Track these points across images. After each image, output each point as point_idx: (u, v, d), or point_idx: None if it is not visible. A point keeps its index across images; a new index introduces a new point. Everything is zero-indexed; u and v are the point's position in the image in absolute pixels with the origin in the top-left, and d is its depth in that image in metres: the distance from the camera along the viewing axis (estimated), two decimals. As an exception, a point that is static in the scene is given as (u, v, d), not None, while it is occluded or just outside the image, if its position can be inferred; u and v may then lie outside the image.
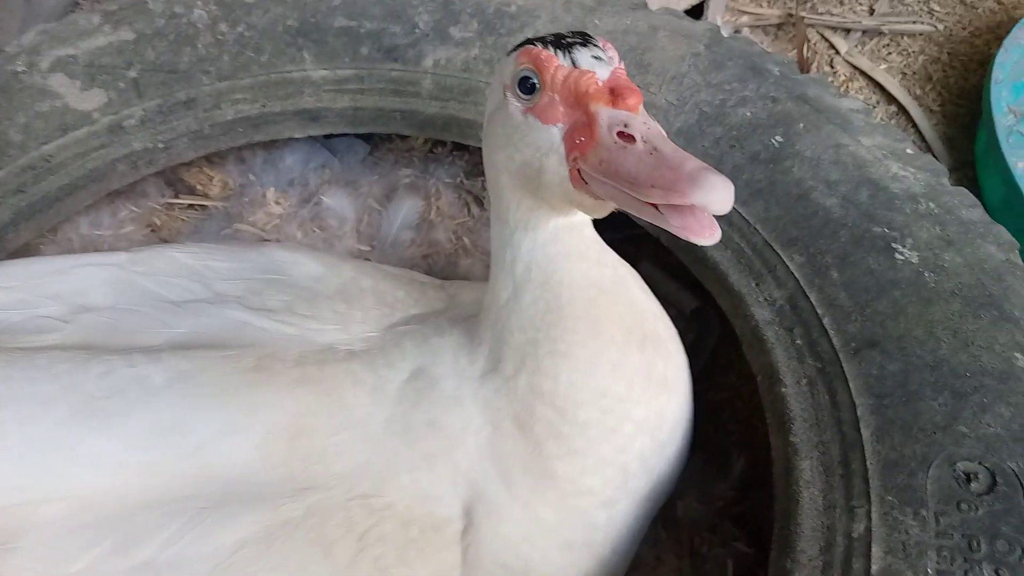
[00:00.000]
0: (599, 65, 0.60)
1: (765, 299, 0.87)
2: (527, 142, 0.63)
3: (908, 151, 0.96)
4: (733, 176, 0.95)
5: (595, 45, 0.62)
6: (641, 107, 0.59)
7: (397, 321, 0.86)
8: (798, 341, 0.83)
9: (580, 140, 0.59)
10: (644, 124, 0.56)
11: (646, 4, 1.15)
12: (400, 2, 1.11)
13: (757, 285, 0.88)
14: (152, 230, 1.09)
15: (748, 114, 1.00)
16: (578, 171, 0.59)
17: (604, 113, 0.58)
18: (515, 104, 0.64)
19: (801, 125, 0.98)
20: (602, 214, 0.65)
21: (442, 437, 0.75)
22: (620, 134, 0.56)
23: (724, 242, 0.92)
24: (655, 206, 0.53)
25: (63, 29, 1.04)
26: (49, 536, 0.67)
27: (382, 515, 0.72)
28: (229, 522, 0.69)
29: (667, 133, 0.99)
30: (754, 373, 0.85)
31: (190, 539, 0.68)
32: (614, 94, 0.59)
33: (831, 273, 0.85)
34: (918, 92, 1.76)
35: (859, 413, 0.75)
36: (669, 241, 0.98)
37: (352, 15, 1.10)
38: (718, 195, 0.49)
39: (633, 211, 0.56)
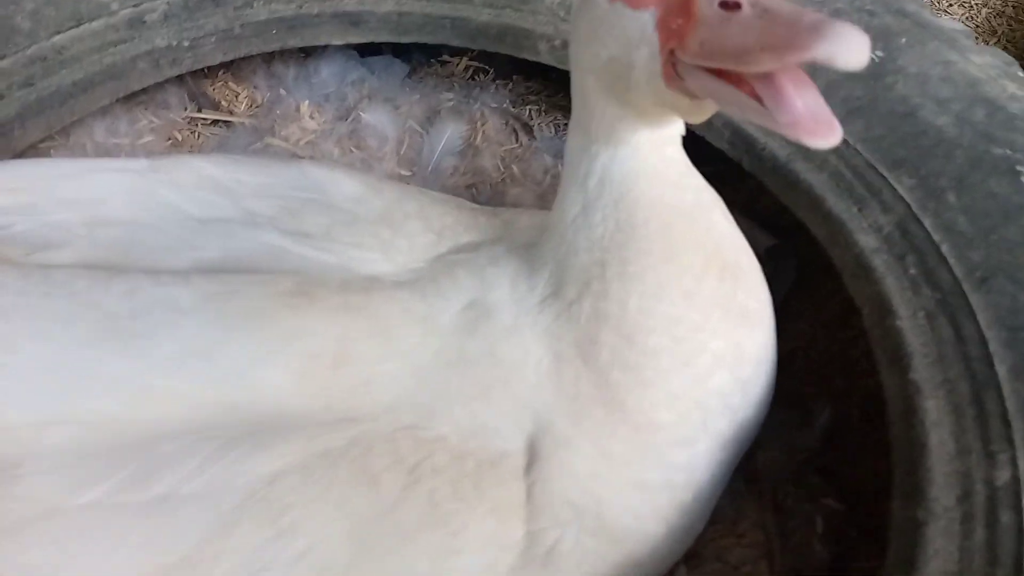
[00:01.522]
0: None
1: (870, 225, 0.77)
2: (614, 34, 0.55)
3: (1019, 73, 0.86)
4: (828, 93, 0.84)
5: None
6: None
7: (446, 250, 0.77)
8: (912, 270, 0.73)
9: (677, 24, 0.49)
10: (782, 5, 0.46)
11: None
12: (452, -102, 1.00)
13: (860, 210, 0.78)
14: (173, 143, 0.99)
15: (843, 27, 0.89)
16: (672, 66, 0.51)
17: None
18: None
19: (903, 40, 0.87)
20: (699, 119, 0.57)
21: (500, 367, 0.68)
22: (723, 4, 0.46)
23: (819, 164, 0.83)
24: (760, 100, 0.44)
25: (78, -89, 0.93)
26: (57, 463, 0.59)
27: (433, 447, 0.64)
28: (262, 452, 0.60)
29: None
30: (859, 305, 0.75)
31: (218, 470, 0.59)
32: None
33: (947, 197, 0.75)
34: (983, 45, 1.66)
35: (991, 348, 0.66)
36: (752, 165, 0.88)
37: (399, -90, 0.99)
38: (848, 42, 0.39)
39: (735, 108, 0.47)
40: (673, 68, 0.51)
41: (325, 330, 0.66)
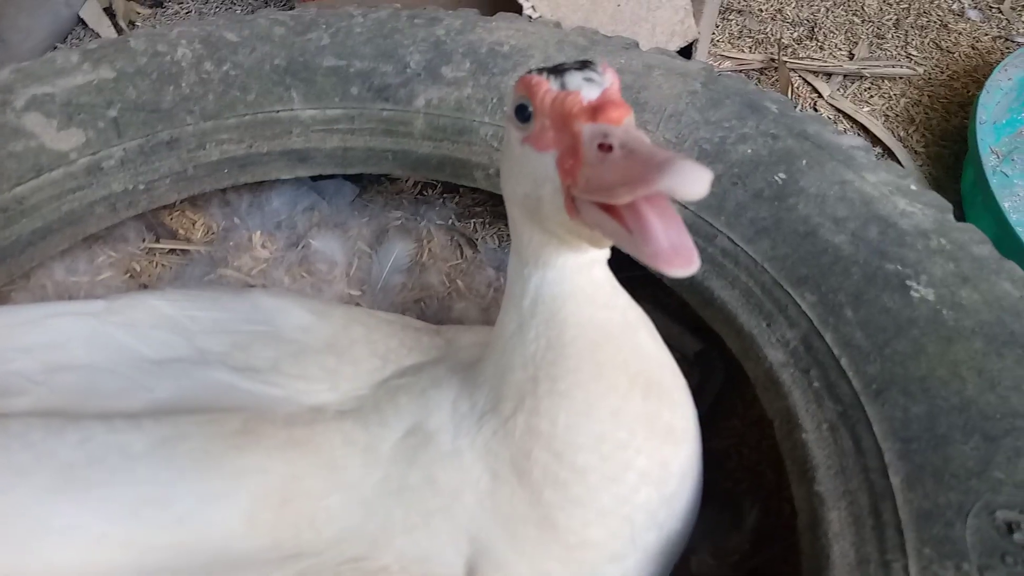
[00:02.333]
0: (589, 86, 0.58)
1: (778, 340, 0.83)
2: (525, 173, 0.62)
3: (912, 187, 0.94)
4: (736, 213, 0.93)
5: (591, 68, 0.60)
6: (628, 119, 0.57)
7: (390, 375, 0.82)
8: (815, 384, 0.79)
9: (569, 164, 0.56)
10: (623, 132, 0.54)
11: (638, 45, 1.14)
12: (391, 42, 1.09)
13: (768, 325, 0.85)
14: (131, 276, 1.03)
15: (749, 151, 0.97)
16: (571, 200, 0.57)
17: (586, 129, 0.56)
18: (515, 134, 0.63)
19: (804, 162, 0.96)
20: (605, 246, 0.63)
21: (440, 494, 0.71)
22: (600, 146, 0.53)
23: (731, 281, 0.89)
24: (629, 230, 0.50)
25: (39, 67, 0.99)
26: None
27: None
28: None
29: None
30: (770, 418, 0.81)
31: None
32: (597, 110, 0.57)
33: (845, 312, 0.82)
34: (902, 134, 1.77)
35: (887, 459, 0.71)
36: (672, 281, 0.94)
37: (342, 55, 1.07)
38: (686, 177, 0.44)
39: (614, 239, 0.53)
40: (572, 202, 0.57)
41: (271, 467, 0.70)
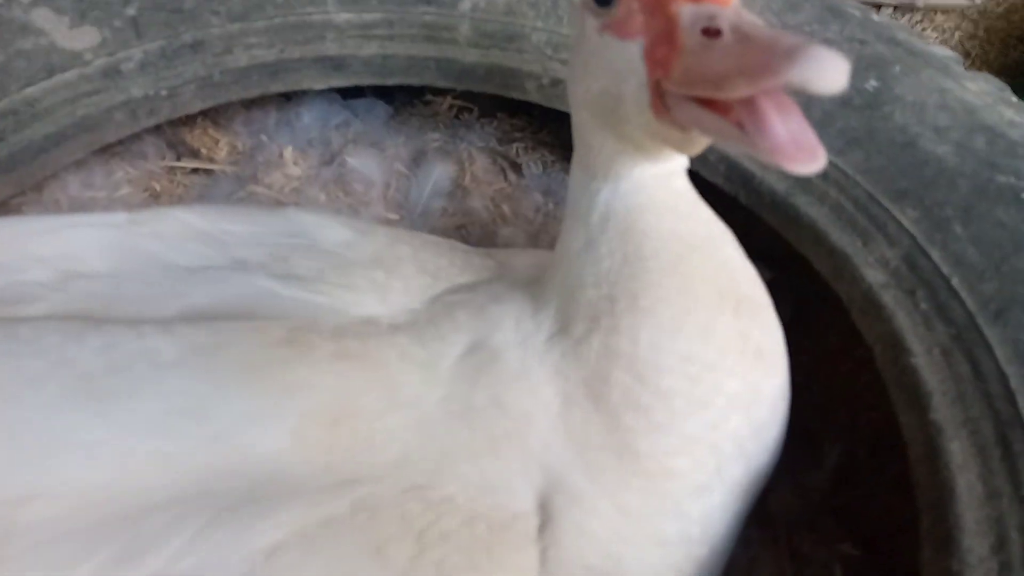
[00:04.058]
0: None
1: (876, 259, 0.75)
2: (604, 66, 0.55)
3: (1013, 99, 0.86)
4: (824, 124, 0.84)
5: None
6: (737, 1, 0.49)
7: (443, 291, 0.74)
8: (923, 305, 0.71)
9: (662, 54, 0.49)
10: (735, 14, 0.46)
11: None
12: (433, -61, 0.99)
13: (864, 244, 0.76)
14: (152, 195, 0.95)
15: (834, 57, 0.88)
16: (660, 97, 0.50)
17: (686, 11, 0.48)
18: (591, 22, 0.55)
19: (897, 68, 0.86)
20: (692, 151, 0.56)
21: (509, 417, 0.64)
22: (705, 31, 0.46)
23: (819, 197, 0.81)
24: (741, 126, 0.43)
25: (48, -40, 0.90)
26: (33, 543, 0.54)
27: (441, 509, 0.60)
28: (259, 522, 0.56)
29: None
30: (870, 344, 0.73)
31: (212, 544, 0.55)
32: None
33: (954, 227, 0.74)
34: (957, 67, 1.67)
35: (1012, 384, 0.63)
36: (749, 199, 0.86)
37: (379, -48, 0.97)
38: (823, 65, 0.38)
39: (720, 137, 0.47)
40: (661, 99, 0.50)
41: (321, 383, 0.62)
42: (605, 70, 0.55)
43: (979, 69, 1.65)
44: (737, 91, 0.42)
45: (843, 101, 0.85)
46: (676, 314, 0.61)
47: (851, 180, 0.80)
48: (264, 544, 0.55)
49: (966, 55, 1.70)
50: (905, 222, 0.76)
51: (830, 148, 0.82)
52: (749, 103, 0.42)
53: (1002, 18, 1.75)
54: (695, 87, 0.46)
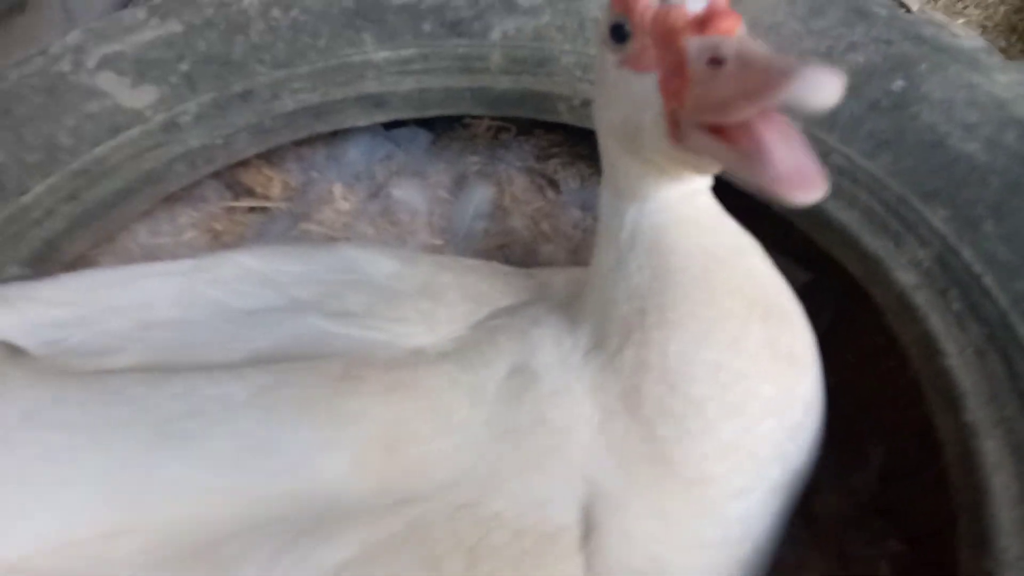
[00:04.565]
0: None
1: (908, 260, 0.76)
2: (623, 98, 0.57)
3: (1048, 88, 0.85)
4: (852, 128, 0.85)
5: None
6: (739, 29, 0.51)
7: (485, 316, 0.78)
8: (955, 305, 0.72)
9: (675, 85, 0.51)
10: (737, 42, 0.48)
11: (725, -44, 1.05)
12: (461, -27, 1.03)
13: (896, 246, 0.77)
14: (214, 236, 1.02)
15: (861, 59, 0.89)
16: (675, 125, 0.53)
17: (693, 43, 0.50)
18: (611, 58, 0.58)
19: (924, 66, 0.87)
20: (711, 172, 0.59)
21: (551, 433, 0.67)
22: (711, 60, 0.48)
23: (849, 201, 0.82)
24: (743, 153, 0.45)
25: (108, 26, 0.97)
26: (129, 572, 0.60)
27: (490, 525, 0.63)
28: (326, 544, 0.61)
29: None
30: (905, 346, 0.74)
31: (285, 566, 0.60)
32: (704, 22, 0.51)
33: (985, 226, 0.74)
34: (1003, 44, 1.63)
35: (1048, 382, 0.64)
36: (780, 206, 0.87)
37: (410, -10, 1.02)
38: (815, 82, 0.39)
39: (726, 163, 0.48)
40: (676, 128, 0.52)
41: (377, 413, 0.67)
42: (625, 102, 0.57)
43: (1027, 45, 1.61)
44: (740, 113, 0.44)
45: (871, 104, 0.86)
46: (704, 326, 0.63)
47: (881, 182, 0.81)
48: (331, 563, 0.60)
49: (1012, 30, 1.66)
50: (936, 222, 0.76)
51: (859, 151, 0.83)
52: (750, 130, 0.44)
53: (1051, -11, 1.70)
54: (705, 114, 0.48)
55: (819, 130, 0.85)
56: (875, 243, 0.78)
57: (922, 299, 0.73)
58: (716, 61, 0.48)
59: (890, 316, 0.75)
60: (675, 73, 0.51)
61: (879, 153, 0.82)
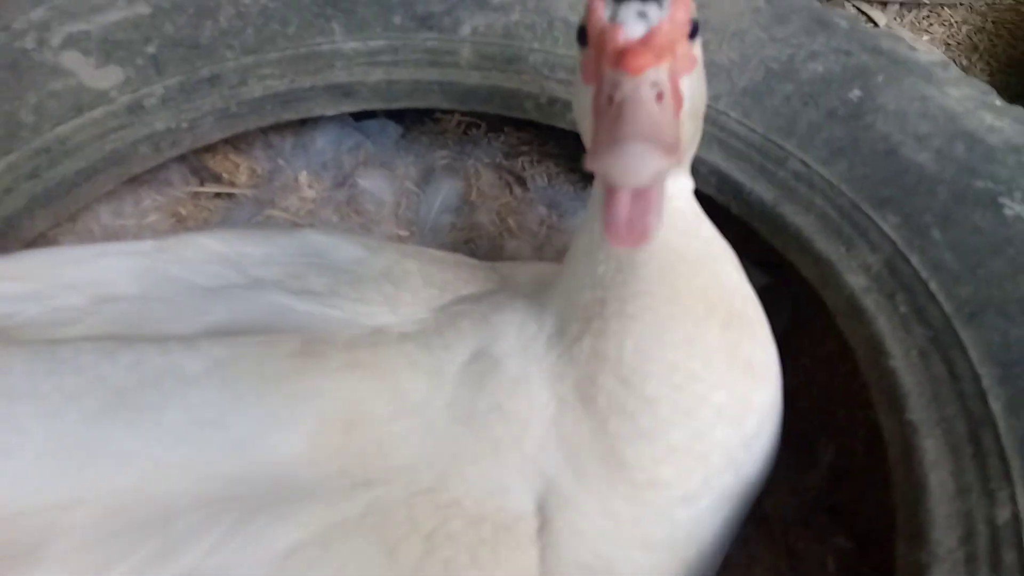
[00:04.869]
0: (637, 22, 0.53)
1: (859, 265, 0.78)
2: (576, 99, 0.60)
3: (996, 102, 0.88)
4: (809, 134, 0.87)
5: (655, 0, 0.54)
6: (653, 70, 0.50)
7: (449, 302, 0.78)
8: (902, 308, 0.74)
9: (597, 105, 0.52)
10: (633, 89, 0.48)
11: (695, -37, 1.07)
12: (433, -33, 1.04)
13: (848, 250, 0.80)
14: (178, 220, 1.01)
15: (820, 69, 0.91)
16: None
17: (607, 75, 0.51)
18: (579, 57, 0.59)
19: (880, 78, 0.89)
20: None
21: (508, 422, 0.67)
22: (608, 98, 0.49)
23: (805, 206, 0.84)
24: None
25: (74, 4, 0.96)
26: (78, 544, 0.59)
27: (448, 512, 0.64)
28: (280, 524, 0.61)
29: (733, 91, 0.91)
30: (854, 347, 0.76)
31: (237, 544, 0.60)
32: (620, 55, 0.50)
33: (933, 233, 0.77)
34: (965, 63, 1.68)
35: (984, 384, 0.66)
36: (740, 209, 0.89)
37: (383, -18, 1.02)
38: (617, 166, 0.42)
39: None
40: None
41: (334, 391, 0.67)
42: (576, 103, 0.60)
43: (987, 63, 1.66)
44: (588, 166, 0.44)
45: (828, 112, 0.88)
46: (661, 322, 0.63)
47: (836, 189, 0.83)
48: (284, 544, 0.60)
49: (973, 49, 1.71)
50: (887, 228, 0.79)
51: (815, 158, 0.86)
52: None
53: (1011, 10, 1.75)
54: (592, 146, 0.49)
55: (777, 136, 0.88)
56: (828, 247, 0.81)
57: (871, 302, 0.75)
58: (610, 100, 0.48)
59: (840, 318, 0.78)
60: (597, 95, 0.52)
61: (835, 160, 0.85)
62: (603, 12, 0.54)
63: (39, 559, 0.58)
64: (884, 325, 0.74)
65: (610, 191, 0.46)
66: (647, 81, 0.49)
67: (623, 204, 0.45)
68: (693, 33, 0.56)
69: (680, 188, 0.65)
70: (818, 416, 0.97)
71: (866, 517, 0.83)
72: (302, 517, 0.61)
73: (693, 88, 0.57)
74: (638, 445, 0.64)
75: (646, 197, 0.46)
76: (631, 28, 0.52)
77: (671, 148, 0.43)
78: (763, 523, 0.82)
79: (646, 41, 0.52)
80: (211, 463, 0.63)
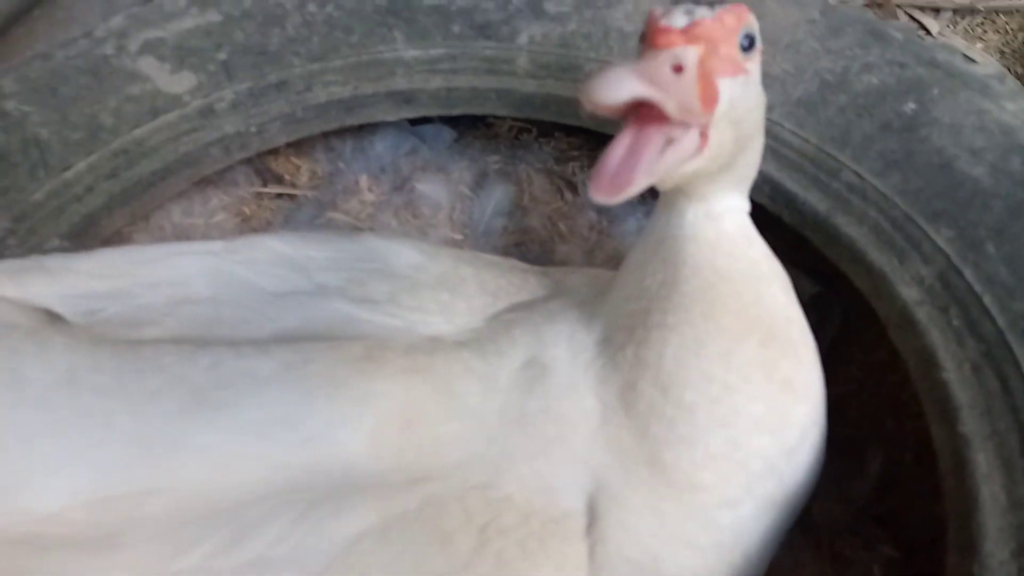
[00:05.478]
0: (683, 16, 0.55)
1: (912, 277, 0.79)
2: None
3: (1055, 117, 0.88)
4: (863, 146, 0.88)
5: (708, 4, 0.57)
6: (680, 48, 0.52)
7: (502, 310, 0.81)
8: (955, 322, 0.75)
9: None
10: (651, 55, 0.51)
11: (749, -26, 1.08)
12: (492, -23, 1.06)
13: (901, 263, 0.81)
14: (243, 219, 1.05)
15: (875, 81, 0.92)
16: None
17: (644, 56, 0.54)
18: None
19: (936, 91, 0.90)
20: (664, 186, 0.63)
21: (557, 424, 0.70)
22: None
23: (859, 217, 0.85)
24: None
25: (150, 12, 1.01)
26: (155, 531, 0.63)
27: (500, 507, 0.66)
28: (343, 515, 0.64)
29: (787, 102, 0.92)
30: (903, 358, 0.77)
31: (303, 533, 0.63)
32: (654, 33, 0.54)
33: (987, 247, 0.77)
34: (1020, 71, 1.66)
35: (1038, 399, 0.67)
36: (793, 218, 0.91)
37: (443, -8, 1.05)
38: (597, 80, 0.45)
39: None
40: None
41: (394, 392, 0.70)
42: None
43: (1043, 72, 1.64)
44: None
45: (883, 124, 0.89)
46: (699, 335, 0.66)
47: (889, 201, 0.84)
48: (347, 534, 0.63)
49: (1029, 57, 1.68)
50: (940, 242, 0.79)
51: (869, 170, 0.87)
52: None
53: (1068, 18, 1.72)
54: None
55: (831, 147, 0.89)
56: (881, 259, 0.81)
57: (923, 314, 0.76)
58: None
59: (892, 330, 0.79)
60: None
61: (889, 172, 0.85)
62: (658, 14, 0.56)
63: (117, 545, 0.61)
64: (937, 338, 0.74)
65: (609, 145, 0.49)
66: (670, 53, 0.52)
67: (614, 157, 0.48)
68: (748, 46, 0.58)
69: (729, 209, 0.67)
70: (867, 424, 0.98)
71: (913, 526, 0.83)
72: (363, 509, 0.64)
73: (736, 94, 0.57)
74: (678, 450, 0.66)
75: (638, 154, 0.48)
76: (675, 19, 0.55)
77: (673, 105, 0.47)
78: (810, 529, 0.83)
79: (683, 30, 0.54)
80: (281, 457, 0.66)
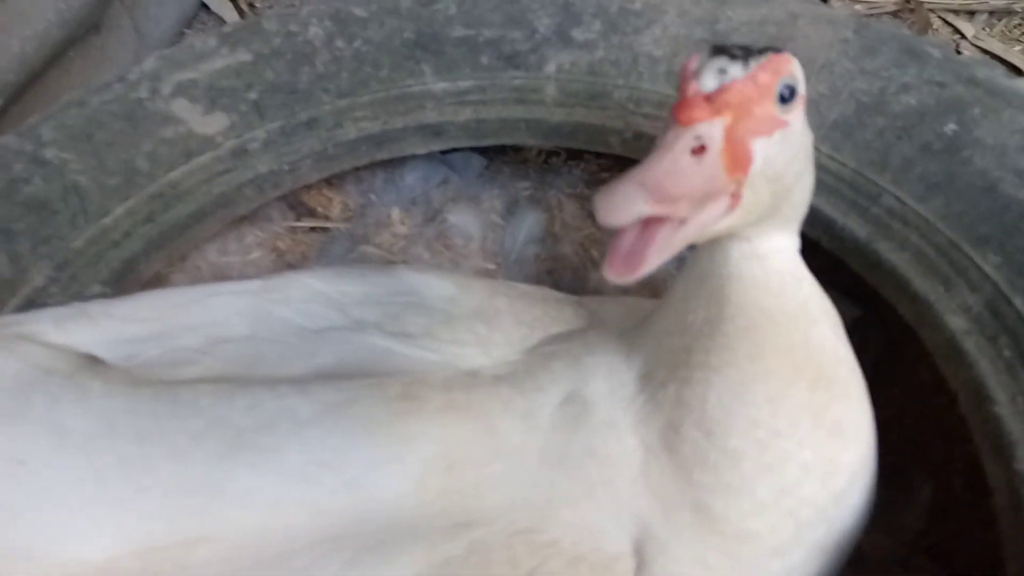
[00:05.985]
0: (714, 76, 0.53)
1: (958, 305, 0.77)
2: None
3: (1103, 133, 0.85)
4: (903, 169, 0.86)
5: (740, 59, 0.54)
6: (705, 124, 0.51)
7: (538, 342, 0.80)
8: (1006, 352, 0.73)
9: None
10: (673, 136, 0.50)
11: (778, -8, 1.07)
12: (518, 7, 1.06)
13: (946, 290, 0.79)
14: (278, 255, 1.06)
15: (913, 101, 0.90)
16: None
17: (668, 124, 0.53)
18: None
19: (977, 110, 0.88)
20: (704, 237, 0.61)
21: (601, 466, 0.69)
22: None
23: (900, 243, 0.83)
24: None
25: (181, 53, 1.02)
26: None
27: (547, 552, 0.65)
28: (390, 563, 0.63)
29: (822, 125, 0.91)
30: (954, 390, 0.75)
31: None
32: (677, 108, 0.52)
33: (1037, 274, 0.75)
34: (1058, 73, 1.62)
35: (1097, 434, 0.65)
36: (832, 244, 0.89)
37: (470, 23, 1.05)
38: (606, 199, 0.44)
39: None
40: None
41: (433, 433, 0.69)
42: None
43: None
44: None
45: (923, 146, 0.87)
46: (744, 378, 0.64)
47: (932, 226, 0.82)
48: None
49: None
50: (987, 268, 0.77)
51: (910, 194, 0.85)
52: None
53: (1109, 17, 1.68)
54: None
55: (870, 171, 0.87)
56: (925, 286, 0.80)
57: (972, 345, 0.74)
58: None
59: (939, 359, 0.77)
60: None
61: (931, 196, 0.84)
62: (694, 64, 0.55)
63: None
64: (987, 369, 0.72)
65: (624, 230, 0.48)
66: (691, 133, 0.50)
67: (627, 236, 0.47)
68: (789, 96, 0.56)
69: (777, 248, 0.65)
70: (912, 448, 0.95)
71: (966, 556, 0.81)
72: (410, 557, 0.63)
73: (772, 152, 0.55)
74: (725, 499, 0.64)
75: (651, 235, 0.47)
76: (705, 81, 0.53)
77: (686, 206, 0.47)
78: (860, 563, 0.81)
79: (712, 96, 0.52)
80: (324, 500, 0.66)
